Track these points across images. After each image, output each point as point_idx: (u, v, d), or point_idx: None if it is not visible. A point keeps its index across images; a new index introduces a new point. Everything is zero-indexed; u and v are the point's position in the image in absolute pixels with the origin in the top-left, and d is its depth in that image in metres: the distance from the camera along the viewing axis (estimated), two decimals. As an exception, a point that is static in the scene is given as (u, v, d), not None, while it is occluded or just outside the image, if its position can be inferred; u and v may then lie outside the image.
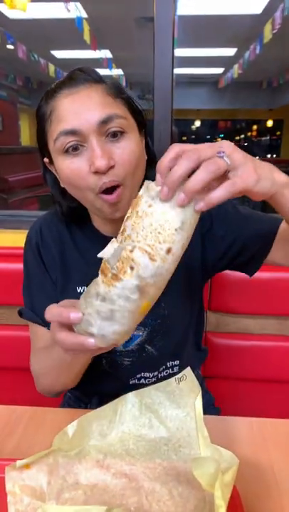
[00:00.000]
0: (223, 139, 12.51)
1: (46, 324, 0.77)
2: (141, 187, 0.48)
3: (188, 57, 5.99)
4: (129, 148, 0.64)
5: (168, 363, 0.82)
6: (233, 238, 0.76)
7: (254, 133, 12.07)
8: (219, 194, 0.44)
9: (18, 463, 0.51)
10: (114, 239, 0.48)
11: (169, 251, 0.45)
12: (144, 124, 0.71)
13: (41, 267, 0.79)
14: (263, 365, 1.19)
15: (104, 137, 0.63)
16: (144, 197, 0.46)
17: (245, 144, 11.69)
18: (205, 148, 0.45)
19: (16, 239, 1.40)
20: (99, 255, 0.48)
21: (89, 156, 0.62)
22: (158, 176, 0.45)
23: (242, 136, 12.31)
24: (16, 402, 0.73)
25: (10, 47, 4.28)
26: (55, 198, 0.77)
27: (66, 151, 0.64)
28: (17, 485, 0.51)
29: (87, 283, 0.74)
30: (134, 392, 0.60)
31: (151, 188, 0.46)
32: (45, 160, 0.72)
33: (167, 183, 0.44)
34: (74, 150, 0.63)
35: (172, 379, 0.59)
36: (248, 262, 0.79)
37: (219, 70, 7.20)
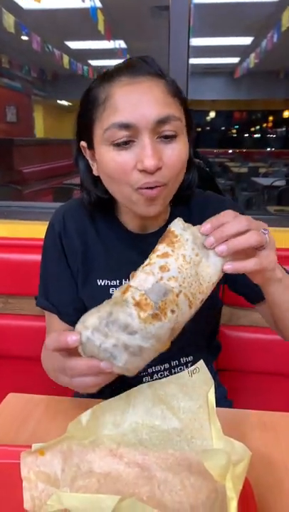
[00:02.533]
0: (238, 130, 12.34)
1: (59, 313, 0.78)
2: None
3: (203, 46, 5.89)
4: (178, 152, 0.63)
5: (182, 359, 0.82)
6: None
7: (270, 124, 11.87)
8: (246, 265, 0.52)
9: (34, 446, 0.52)
10: (147, 267, 0.48)
11: (202, 301, 0.50)
12: (191, 127, 0.70)
13: (61, 257, 0.78)
14: (275, 358, 1.19)
15: (156, 136, 0.61)
16: (189, 241, 0.49)
17: (262, 136, 11.52)
18: (254, 221, 0.53)
19: (30, 230, 1.42)
20: (133, 284, 0.47)
21: (138, 152, 0.61)
22: (208, 226, 0.51)
23: (257, 127, 12.12)
24: (32, 391, 0.75)
25: (24, 38, 4.27)
26: (86, 186, 0.74)
27: (115, 144, 0.61)
28: (32, 471, 0.52)
29: (108, 277, 0.74)
30: (146, 384, 0.60)
31: (196, 235, 0.50)
32: (82, 144, 0.70)
33: (216, 236, 0.50)
34: (124, 144, 0.61)
35: (185, 372, 0.59)
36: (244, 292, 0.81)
37: (235, 60, 7.07)
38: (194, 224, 0.75)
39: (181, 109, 0.65)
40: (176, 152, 0.63)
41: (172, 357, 0.81)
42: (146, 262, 0.49)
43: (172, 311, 0.45)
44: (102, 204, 0.74)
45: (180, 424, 0.58)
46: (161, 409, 0.59)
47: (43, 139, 9.01)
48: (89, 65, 7.35)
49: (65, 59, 5.60)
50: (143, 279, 0.46)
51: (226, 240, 0.50)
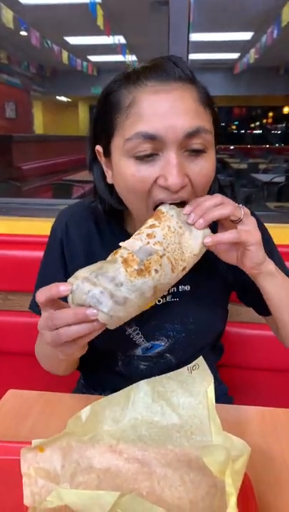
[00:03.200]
0: (238, 126, 12.32)
1: None
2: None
3: (202, 41, 5.86)
4: (206, 169, 0.58)
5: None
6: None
7: (270, 120, 11.83)
8: (224, 235, 0.56)
9: (34, 442, 0.53)
10: (137, 235, 0.54)
11: (183, 269, 0.55)
12: (217, 139, 0.64)
13: (59, 264, 0.75)
14: (275, 354, 1.19)
15: (184, 150, 0.56)
16: (174, 217, 0.56)
17: (261, 132, 11.49)
18: (229, 199, 0.58)
19: (29, 226, 1.41)
20: (122, 244, 0.52)
21: (161, 166, 0.56)
22: (188, 207, 0.57)
23: (257, 123, 12.09)
24: (31, 388, 0.75)
25: (23, 33, 4.25)
26: (100, 194, 0.69)
27: (137, 157, 0.56)
28: (32, 467, 0.52)
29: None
30: (146, 380, 0.60)
31: (180, 214, 0.57)
32: (98, 149, 0.64)
33: (196, 211, 0.56)
34: (147, 157, 0.56)
35: (184, 368, 0.59)
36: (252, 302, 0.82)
37: (235, 55, 7.04)
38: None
39: (211, 121, 0.60)
40: (204, 170, 0.58)
41: (176, 367, 0.79)
42: (136, 232, 0.54)
43: (156, 271, 0.51)
44: (115, 213, 0.70)
45: (180, 420, 0.58)
46: (161, 405, 0.59)
47: (42, 135, 8.98)
48: (88, 60, 7.31)
49: (64, 54, 5.57)
50: (131, 242, 0.52)
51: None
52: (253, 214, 0.78)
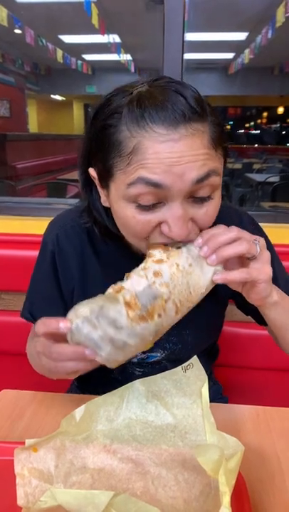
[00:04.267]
0: (232, 126, 12.35)
1: None
2: None
3: (197, 41, 5.87)
4: (213, 211, 0.55)
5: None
6: None
7: (264, 120, 11.88)
8: (235, 275, 0.53)
9: (27, 442, 0.52)
10: (142, 271, 0.50)
11: (189, 308, 0.52)
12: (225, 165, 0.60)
13: (51, 276, 0.73)
14: (269, 354, 1.19)
15: (188, 197, 0.53)
16: (184, 252, 0.52)
17: (256, 132, 11.53)
18: (246, 232, 0.54)
19: (23, 226, 1.41)
20: (125, 285, 0.49)
21: (166, 215, 0.52)
22: (200, 240, 0.53)
23: (251, 123, 12.13)
24: (25, 388, 0.74)
25: (18, 31, 4.23)
26: (96, 216, 0.65)
27: (138, 205, 0.52)
28: (25, 467, 0.52)
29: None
30: (140, 380, 0.60)
31: (191, 248, 0.53)
32: (92, 173, 0.59)
33: (209, 245, 0.52)
34: (150, 207, 0.52)
35: (179, 367, 0.59)
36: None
37: (229, 55, 7.05)
38: None
39: (222, 160, 0.56)
40: (210, 213, 0.55)
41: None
42: (141, 266, 0.51)
43: (159, 315, 0.48)
44: (110, 234, 0.66)
45: (174, 419, 0.58)
46: (155, 404, 0.59)
47: (36, 133, 8.94)
48: (83, 59, 7.29)
49: (59, 53, 5.55)
50: (136, 281, 0.48)
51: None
52: (254, 223, 0.78)
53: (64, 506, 0.42)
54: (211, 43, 6.22)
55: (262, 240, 0.56)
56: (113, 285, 0.50)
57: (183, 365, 0.59)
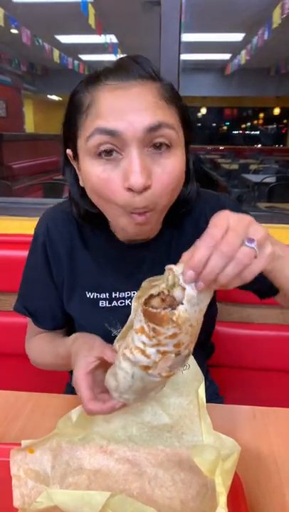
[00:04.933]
0: (229, 126, 12.37)
1: (36, 319, 0.79)
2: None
3: (194, 42, 5.89)
4: (171, 168, 0.56)
5: None
6: None
7: (260, 121, 11.91)
8: (233, 283, 0.45)
9: (23, 443, 0.52)
10: (155, 352, 0.45)
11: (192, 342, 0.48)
12: (190, 140, 0.62)
13: (43, 267, 0.75)
14: (265, 354, 1.20)
15: (146, 148, 0.54)
16: (190, 311, 0.44)
17: (252, 133, 11.57)
18: (235, 237, 0.43)
19: (20, 226, 1.40)
20: (152, 372, 0.46)
21: (125, 167, 0.54)
22: (191, 273, 0.43)
23: (248, 124, 12.16)
24: (21, 389, 0.74)
25: (14, 31, 4.21)
26: (74, 199, 0.67)
27: (99, 155, 0.55)
28: (22, 469, 0.52)
29: (97, 289, 0.73)
30: None
31: (191, 297, 0.44)
32: (69, 152, 0.63)
33: (204, 280, 0.44)
34: (108, 154, 0.54)
35: None
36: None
37: (226, 56, 7.06)
38: (186, 230, 0.71)
39: (177, 118, 0.58)
40: (169, 168, 0.55)
41: None
42: (154, 341, 0.44)
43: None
44: (92, 217, 0.68)
45: (170, 420, 0.58)
46: (152, 405, 0.59)
47: (32, 133, 8.93)
48: (79, 59, 7.28)
49: (56, 53, 5.53)
50: (163, 362, 0.45)
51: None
52: (232, 200, 0.76)
53: (60, 507, 0.42)
54: (208, 44, 6.23)
55: (258, 232, 0.46)
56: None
57: None
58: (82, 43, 6.24)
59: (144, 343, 0.44)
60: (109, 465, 0.53)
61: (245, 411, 0.70)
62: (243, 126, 12.03)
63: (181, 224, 0.72)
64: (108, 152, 0.54)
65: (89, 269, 0.73)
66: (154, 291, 0.45)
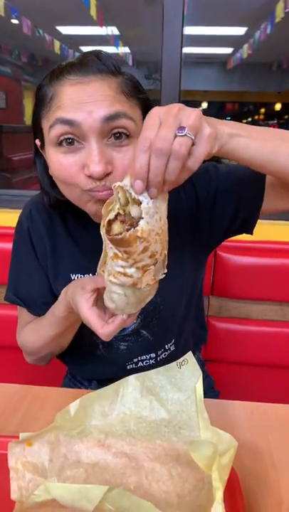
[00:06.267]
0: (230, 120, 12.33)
1: (28, 306, 0.80)
2: None
3: (195, 35, 5.83)
4: (131, 155, 0.57)
5: (166, 346, 0.82)
6: (219, 192, 0.71)
7: (262, 116, 11.86)
8: (183, 176, 0.46)
9: (22, 436, 0.52)
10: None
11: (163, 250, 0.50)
12: None
13: (30, 252, 0.77)
14: (263, 350, 1.20)
15: (106, 139, 0.57)
16: (150, 222, 0.45)
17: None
18: (166, 131, 0.43)
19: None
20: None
21: (84, 156, 0.57)
22: (139, 183, 0.44)
23: (249, 119, 12.11)
24: (19, 382, 0.74)
25: (14, 21, 4.17)
26: (43, 187, 0.71)
27: (60, 143, 0.58)
28: (19, 461, 0.52)
29: (81, 270, 0.74)
30: (135, 375, 0.60)
31: (148, 210, 0.45)
32: (37, 142, 0.66)
33: (154, 184, 0.44)
34: (69, 144, 0.57)
35: (174, 363, 0.59)
36: (246, 212, 0.72)
37: (228, 50, 7.01)
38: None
39: (138, 110, 0.60)
40: (129, 155, 0.57)
41: (155, 345, 0.80)
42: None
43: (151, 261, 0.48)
44: (61, 205, 0.70)
45: (168, 415, 0.58)
46: (150, 400, 0.59)
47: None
48: (80, 51, 7.22)
49: (56, 44, 5.47)
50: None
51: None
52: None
53: (58, 500, 0.42)
54: (209, 37, 6.18)
55: (184, 117, 0.44)
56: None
57: (178, 361, 0.59)
58: (83, 35, 6.18)
59: (122, 267, 0.48)
60: (106, 459, 0.54)
61: (243, 407, 0.70)
62: (244, 121, 11.98)
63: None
64: (69, 142, 0.57)
65: (71, 251, 0.75)
66: (110, 216, 0.47)
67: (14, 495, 0.50)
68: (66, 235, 0.76)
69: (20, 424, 0.65)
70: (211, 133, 0.45)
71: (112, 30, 5.44)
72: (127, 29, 5.61)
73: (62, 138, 0.57)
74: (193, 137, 0.44)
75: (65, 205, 0.69)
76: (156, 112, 0.45)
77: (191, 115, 0.45)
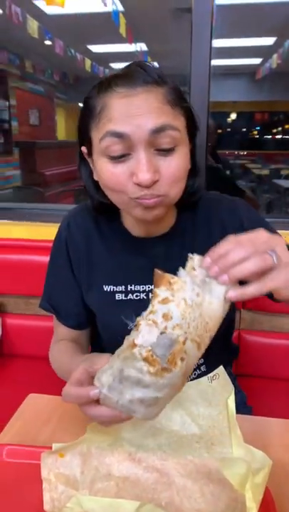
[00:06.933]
0: (259, 131, 12.20)
1: (60, 316, 0.81)
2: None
3: (224, 47, 5.86)
4: (176, 164, 0.61)
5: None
6: None
7: (292, 125, 11.67)
8: (252, 291, 0.48)
9: (54, 446, 0.53)
10: (150, 315, 0.45)
11: (211, 338, 0.48)
12: (195, 134, 0.68)
13: (65, 264, 0.79)
14: (297, 365, 1.16)
15: (153, 149, 0.60)
16: (188, 282, 0.47)
17: (284, 137, 11.35)
18: (260, 244, 0.48)
19: (51, 232, 1.43)
20: (137, 341, 0.44)
21: (133, 165, 0.60)
22: (208, 260, 0.48)
23: (279, 128, 11.95)
24: (50, 392, 0.75)
25: (48, 43, 4.35)
26: (88, 191, 0.74)
27: (110, 154, 0.61)
28: (52, 473, 0.53)
29: (114, 282, 0.75)
30: None
31: (194, 275, 0.48)
32: (83, 150, 0.69)
33: (220, 265, 0.47)
34: (119, 157, 0.60)
35: (204, 378, 0.58)
36: None
37: (257, 61, 6.99)
38: (200, 229, 0.75)
39: (182, 118, 0.63)
40: (174, 164, 0.61)
41: None
42: (148, 310, 0.46)
43: (182, 359, 0.45)
44: (105, 209, 0.74)
45: (199, 430, 0.57)
46: (180, 414, 0.59)
47: (64, 141, 9.12)
48: (110, 68, 7.40)
49: (87, 62, 5.66)
50: (147, 331, 0.45)
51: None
52: (249, 208, 0.76)
53: None
54: (238, 49, 6.19)
55: (279, 246, 0.50)
56: (127, 337, 0.48)
57: (209, 375, 0.58)
58: (113, 52, 6.35)
59: (141, 315, 0.46)
60: (137, 473, 0.53)
61: (276, 424, 0.68)
62: (274, 130, 11.83)
63: (195, 221, 0.76)
64: (119, 156, 0.60)
65: (105, 263, 0.77)
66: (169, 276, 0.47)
67: (47, 506, 0.50)
68: (101, 245, 0.77)
69: (52, 435, 0.65)
70: (285, 277, 0.48)
71: (141, 47, 5.56)
72: (156, 44, 5.71)
73: (113, 154, 0.60)
74: (276, 262, 0.48)
75: (108, 208, 0.72)
76: (262, 231, 0.50)
77: (283, 247, 0.50)
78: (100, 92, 0.62)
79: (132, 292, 0.74)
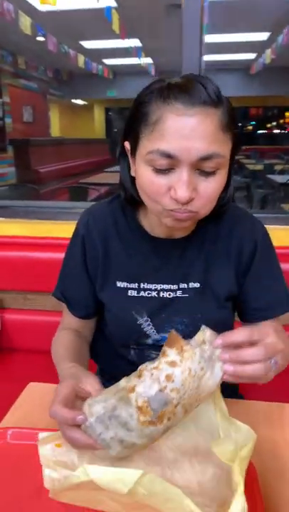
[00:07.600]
0: (254, 126, 12.20)
1: (70, 307, 0.84)
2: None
3: (218, 43, 5.86)
4: (214, 186, 0.63)
5: None
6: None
7: (287, 120, 11.70)
8: (250, 373, 0.50)
9: (41, 435, 0.56)
10: (154, 371, 0.49)
11: (196, 406, 0.52)
12: (237, 153, 0.69)
13: (80, 259, 0.81)
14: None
15: (195, 169, 0.61)
16: (197, 354, 0.49)
17: (278, 132, 11.36)
18: (269, 349, 0.50)
19: (48, 229, 1.45)
20: (138, 389, 0.49)
21: (174, 179, 0.61)
22: (220, 342, 0.50)
23: (273, 123, 11.97)
24: (52, 381, 0.77)
25: (40, 39, 4.34)
26: (124, 183, 0.75)
27: (154, 169, 0.62)
28: (51, 461, 0.55)
29: (128, 279, 0.78)
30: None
31: (203, 349, 0.50)
32: (126, 145, 0.70)
33: (232, 357, 0.50)
34: (163, 170, 0.62)
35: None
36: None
37: (251, 56, 7.00)
38: (220, 241, 0.78)
39: (230, 143, 0.64)
40: (212, 186, 0.63)
41: None
42: (154, 364, 0.50)
43: (168, 419, 0.49)
44: (133, 204, 0.77)
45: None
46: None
47: (58, 138, 9.07)
48: (104, 64, 7.37)
49: (80, 59, 5.65)
50: (148, 385, 0.49)
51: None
52: (266, 234, 0.81)
53: (95, 482, 0.44)
54: (232, 44, 6.19)
55: (280, 355, 0.59)
56: (126, 378, 0.52)
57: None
58: (106, 48, 6.33)
59: (145, 365, 0.51)
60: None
61: (263, 406, 0.71)
62: (269, 125, 11.85)
63: (217, 232, 0.78)
64: (163, 170, 0.62)
65: (121, 260, 0.78)
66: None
67: (47, 484, 0.53)
68: (118, 243, 0.79)
69: (51, 422, 0.68)
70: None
71: (135, 43, 5.55)
72: (149, 40, 5.70)
73: (158, 163, 0.61)
74: (273, 369, 0.53)
75: (137, 202, 0.75)
76: (272, 334, 0.52)
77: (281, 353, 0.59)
78: (157, 100, 0.61)
79: (144, 290, 0.77)
